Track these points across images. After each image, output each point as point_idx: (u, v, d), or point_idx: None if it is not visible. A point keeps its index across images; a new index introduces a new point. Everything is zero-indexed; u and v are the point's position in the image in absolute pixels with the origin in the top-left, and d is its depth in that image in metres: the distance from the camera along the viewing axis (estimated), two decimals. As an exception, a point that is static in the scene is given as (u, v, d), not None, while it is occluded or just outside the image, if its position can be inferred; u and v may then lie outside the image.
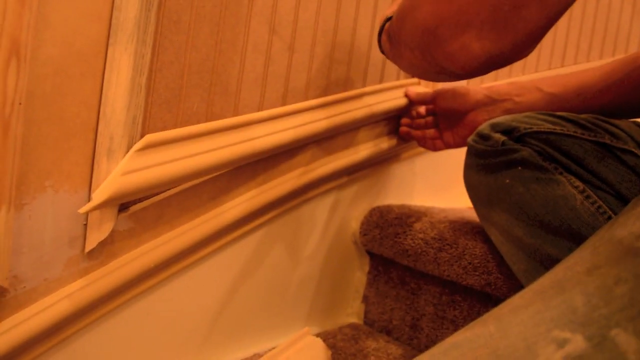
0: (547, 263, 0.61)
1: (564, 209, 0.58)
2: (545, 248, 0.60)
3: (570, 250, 0.59)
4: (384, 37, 0.62)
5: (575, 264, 0.35)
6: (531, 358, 0.30)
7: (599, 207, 0.57)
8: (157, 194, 0.63)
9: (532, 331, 0.31)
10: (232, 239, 0.73)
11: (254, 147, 0.70)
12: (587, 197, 0.58)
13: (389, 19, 0.61)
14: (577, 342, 0.30)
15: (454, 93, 0.85)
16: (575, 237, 0.58)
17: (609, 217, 0.57)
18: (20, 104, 0.47)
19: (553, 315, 0.31)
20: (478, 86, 0.84)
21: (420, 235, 0.85)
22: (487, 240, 0.80)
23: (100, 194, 0.55)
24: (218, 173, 0.69)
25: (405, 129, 0.94)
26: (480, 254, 0.78)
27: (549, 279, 0.35)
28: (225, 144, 0.67)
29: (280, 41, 0.73)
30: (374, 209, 0.95)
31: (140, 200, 0.62)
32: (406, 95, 0.93)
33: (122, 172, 0.56)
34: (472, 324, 0.37)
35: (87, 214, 0.56)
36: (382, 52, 0.65)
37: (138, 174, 0.57)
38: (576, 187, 0.59)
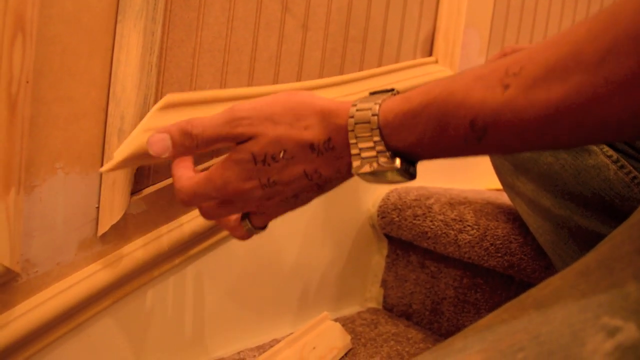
0: (576, 234, 0.59)
1: (596, 179, 0.56)
2: (575, 219, 0.58)
3: (603, 223, 0.57)
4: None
5: (622, 242, 0.31)
6: (578, 346, 0.27)
7: (634, 177, 0.54)
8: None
9: (578, 317, 0.28)
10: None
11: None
12: (621, 167, 0.55)
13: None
14: (630, 331, 0.26)
15: None
16: (607, 209, 0.55)
17: None
18: (27, 82, 0.46)
19: (601, 300, 0.28)
20: None
21: (440, 217, 0.83)
22: (509, 220, 0.77)
23: (122, 151, 0.52)
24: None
25: None
26: (502, 235, 0.76)
27: (594, 258, 0.32)
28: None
29: (293, 19, 0.71)
30: (391, 191, 0.92)
31: (153, 182, 0.60)
32: None
33: (144, 129, 0.53)
34: (507, 305, 0.34)
35: (99, 194, 0.54)
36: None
37: None
38: (609, 157, 0.56)
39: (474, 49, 1.00)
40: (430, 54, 0.94)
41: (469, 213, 0.80)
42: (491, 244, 0.76)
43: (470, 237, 0.78)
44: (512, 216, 0.78)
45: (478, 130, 0.35)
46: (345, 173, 0.44)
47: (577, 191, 0.57)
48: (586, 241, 0.59)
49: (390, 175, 0.41)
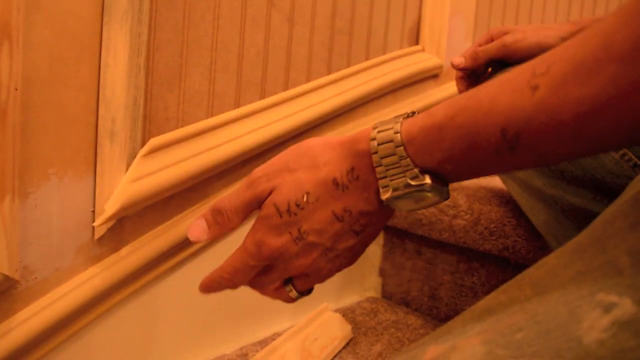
0: (569, 213, 0.60)
1: (586, 158, 0.56)
2: (567, 198, 0.59)
3: (595, 200, 0.58)
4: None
5: (615, 219, 0.31)
6: (575, 324, 0.28)
7: (624, 154, 0.55)
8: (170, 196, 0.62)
9: (574, 294, 0.29)
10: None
11: (258, 139, 0.69)
12: None
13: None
14: (626, 306, 0.27)
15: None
16: (599, 187, 0.56)
17: (635, 165, 0.55)
18: (16, 89, 0.46)
19: (596, 277, 0.29)
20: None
21: (434, 204, 0.83)
22: (502, 204, 0.78)
23: (113, 204, 0.55)
24: (227, 167, 0.67)
25: None
26: (496, 218, 0.76)
27: (587, 236, 0.32)
28: (230, 138, 0.66)
29: (279, 14, 0.71)
30: (385, 181, 0.93)
31: (147, 183, 0.61)
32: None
33: (131, 179, 0.56)
34: (504, 286, 0.34)
35: (94, 198, 0.55)
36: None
37: (147, 180, 0.57)
38: None
39: (460, 36, 1.00)
40: (417, 43, 0.95)
41: (462, 198, 0.81)
42: (485, 228, 0.77)
43: (465, 222, 0.79)
44: (504, 199, 0.79)
45: (510, 139, 0.33)
46: (376, 204, 0.41)
47: (569, 170, 0.58)
48: (579, 219, 0.60)
49: (423, 196, 0.38)
